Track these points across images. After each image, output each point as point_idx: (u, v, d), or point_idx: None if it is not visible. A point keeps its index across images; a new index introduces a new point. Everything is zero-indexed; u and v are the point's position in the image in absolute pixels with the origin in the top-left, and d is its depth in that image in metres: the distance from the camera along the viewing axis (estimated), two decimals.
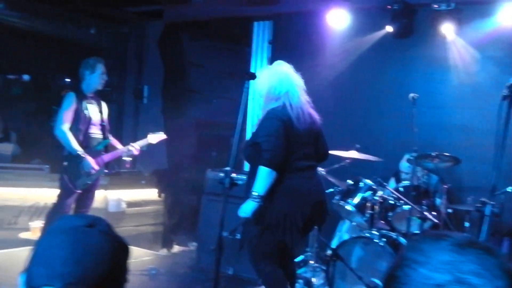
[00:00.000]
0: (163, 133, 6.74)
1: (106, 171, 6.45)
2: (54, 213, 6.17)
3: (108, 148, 6.47)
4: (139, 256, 6.88)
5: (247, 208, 4.47)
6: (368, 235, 5.67)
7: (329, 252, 5.89)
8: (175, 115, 9.14)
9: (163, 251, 8.04)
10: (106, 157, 6.36)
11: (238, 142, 4.40)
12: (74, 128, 6.13)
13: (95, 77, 6.30)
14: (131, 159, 6.90)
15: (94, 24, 9.30)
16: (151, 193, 8.27)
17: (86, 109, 6.21)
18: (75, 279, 1.39)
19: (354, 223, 6.25)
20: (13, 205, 7.01)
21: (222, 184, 4.33)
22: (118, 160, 8.83)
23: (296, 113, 4.63)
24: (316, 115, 4.87)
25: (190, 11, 9.02)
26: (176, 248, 8.27)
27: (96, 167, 6.17)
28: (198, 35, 9.44)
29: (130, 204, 7.85)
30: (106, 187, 7.75)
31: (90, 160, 6.11)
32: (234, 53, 9.19)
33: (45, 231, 1.56)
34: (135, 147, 6.44)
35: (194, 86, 9.42)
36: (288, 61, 8.04)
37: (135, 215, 7.76)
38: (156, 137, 6.62)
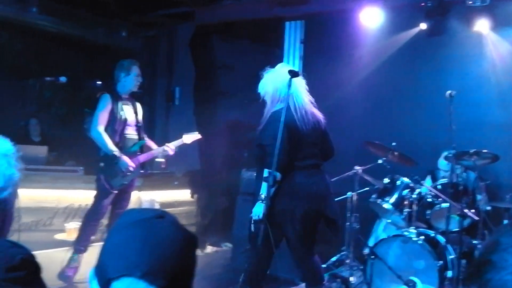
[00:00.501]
0: (197, 133, 6.71)
1: (142, 171, 6.41)
2: (91, 214, 6.20)
3: (144, 148, 6.45)
4: None
5: (257, 210, 4.64)
6: (406, 233, 5.60)
7: (366, 250, 5.82)
8: (207, 117, 9.15)
9: (196, 252, 8.02)
10: (142, 157, 6.33)
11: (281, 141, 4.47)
12: (109, 129, 6.13)
13: (130, 78, 6.29)
14: (165, 160, 6.86)
15: (125, 28, 9.35)
16: (184, 194, 8.28)
17: (122, 110, 6.21)
18: (152, 269, 1.40)
19: (391, 222, 6.17)
20: (49, 207, 7.04)
21: (267, 181, 4.51)
22: (152, 161, 8.88)
23: (300, 115, 4.80)
24: (320, 115, 5.04)
25: (221, 13, 9.01)
26: (209, 249, 8.28)
27: (133, 166, 6.16)
28: (228, 37, 9.44)
29: (163, 205, 7.85)
30: (139, 188, 7.78)
31: (127, 160, 6.10)
32: (266, 54, 9.15)
33: (114, 225, 1.56)
34: (170, 147, 6.38)
35: (225, 87, 9.42)
36: (321, 60, 8.12)
37: None
38: (191, 137, 6.58)
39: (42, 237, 6.81)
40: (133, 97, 6.54)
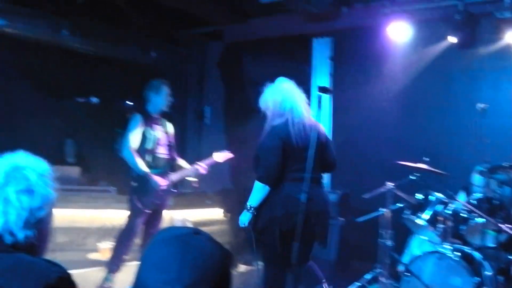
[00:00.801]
0: (228, 151, 6.72)
1: (174, 190, 6.42)
2: (124, 234, 6.23)
3: (175, 168, 6.46)
4: None
5: (243, 219, 4.79)
6: (441, 249, 5.52)
7: (400, 268, 5.75)
8: (238, 135, 9.16)
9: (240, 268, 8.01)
10: (174, 176, 6.34)
11: (314, 157, 4.56)
12: (141, 149, 6.17)
13: (161, 98, 6.34)
14: (197, 179, 6.84)
15: (155, 46, 9.45)
16: (216, 213, 8.29)
17: (153, 130, 6.25)
18: (193, 282, 1.43)
19: (425, 238, 6.09)
20: (81, 227, 7.12)
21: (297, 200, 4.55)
22: (183, 180, 8.91)
23: (298, 129, 4.84)
24: (321, 128, 5.08)
25: (250, 31, 9.07)
26: (242, 268, 8.22)
27: (165, 185, 6.19)
28: (258, 54, 9.47)
29: (196, 224, 7.87)
30: (171, 207, 7.81)
31: (158, 179, 6.13)
32: (295, 71, 9.14)
33: (151, 242, 1.59)
34: (202, 166, 6.38)
35: (256, 105, 9.42)
36: (350, 77, 8.11)
37: None
38: (222, 156, 6.56)
39: (75, 256, 6.87)
40: (164, 117, 6.57)
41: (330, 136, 8.28)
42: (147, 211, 6.18)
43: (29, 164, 2.09)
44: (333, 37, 8.47)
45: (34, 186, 2.04)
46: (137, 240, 6.34)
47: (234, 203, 8.47)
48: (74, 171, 7.69)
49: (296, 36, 8.70)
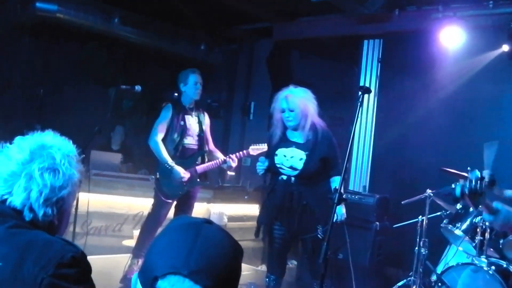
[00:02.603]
0: (265, 144, 6.68)
1: (200, 181, 6.37)
2: (149, 223, 6.31)
3: (204, 159, 6.43)
4: None
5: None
6: (476, 262, 5.38)
7: (434, 277, 5.64)
8: None
9: (263, 267, 7.99)
10: (200, 168, 6.30)
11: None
12: (168, 139, 6.22)
13: (189, 88, 6.31)
14: (231, 172, 6.78)
15: (206, 41, 9.50)
16: (254, 209, 8.28)
17: (183, 120, 6.26)
18: (200, 269, 1.42)
19: (461, 249, 5.95)
20: (119, 213, 7.21)
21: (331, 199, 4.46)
22: (224, 174, 8.94)
23: None
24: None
25: (299, 29, 9.02)
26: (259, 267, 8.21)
27: (187, 177, 6.17)
28: (306, 53, 9.43)
29: (232, 219, 7.89)
30: (209, 200, 7.85)
31: (180, 170, 6.12)
32: (342, 72, 9.10)
33: (163, 229, 1.59)
34: (233, 158, 6.31)
35: None
36: (397, 80, 7.98)
37: (236, 229, 7.76)
38: (257, 149, 6.47)
39: (111, 242, 6.97)
40: (201, 108, 6.58)
41: (372, 139, 8.27)
42: (169, 201, 6.21)
43: (55, 144, 2.11)
44: (383, 39, 8.36)
45: (59, 165, 2.06)
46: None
47: None
48: (116, 157, 7.78)
49: (346, 36, 8.61)
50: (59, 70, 8.60)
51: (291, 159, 5.27)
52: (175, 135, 6.22)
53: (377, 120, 8.30)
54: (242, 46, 10.29)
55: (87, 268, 1.93)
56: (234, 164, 6.36)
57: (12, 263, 1.81)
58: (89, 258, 1.94)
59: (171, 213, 6.35)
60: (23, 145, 2.05)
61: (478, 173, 3.07)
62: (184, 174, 6.15)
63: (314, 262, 5.16)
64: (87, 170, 6.57)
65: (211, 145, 6.61)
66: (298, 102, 5.27)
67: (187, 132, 6.29)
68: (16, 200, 1.99)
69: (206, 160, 6.45)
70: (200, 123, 6.42)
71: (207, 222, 1.55)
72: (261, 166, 5.38)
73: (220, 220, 7.69)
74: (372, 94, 8.20)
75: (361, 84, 8.32)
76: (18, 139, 2.09)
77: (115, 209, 7.12)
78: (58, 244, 1.90)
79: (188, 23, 9.15)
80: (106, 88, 8.38)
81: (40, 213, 2.01)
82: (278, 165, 5.31)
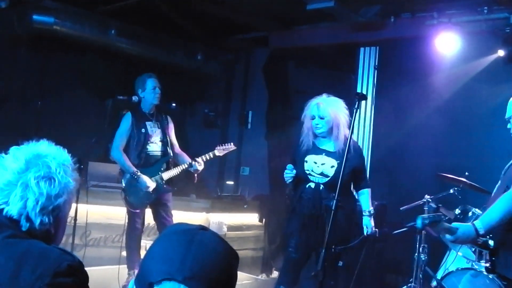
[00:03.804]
0: (232, 144, 6.55)
1: (167, 188, 6.27)
2: (128, 233, 6.30)
3: (169, 164, 6.32)
4: (239, 280, 6.79)
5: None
6: (476, 267, 5.38)
7: (434, 283, 5.62)
8: (278, 141, 9.14)
9: (263, 276, 7.99)
10: (165, 174, 6.23)
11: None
12: (131, 148, 6.16)
13: (148, 93, 6.23)
14: (196, 174, 6.64)
15: (202, 51, 9.51)
16: (253, 218, 8.28)
17: (144, 127, 6.19)
18: (194, 275, 1.44)
19: (461, 254, 5.94)
20: (118, 224, 7.14)
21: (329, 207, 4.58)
22: (222, 184, 8.94)
23: None
24: None
25: (295, 38, 9.05)
26: (275, 274, 8.19)
27: (152, 186, 6.09)
28: (303, 62, 9.45)
29: (231, 228, 7.88)
30: (208, 210, 7.85)
31: (146, 179, 6.06)
32: (339, 80, 9.11)
33: (159, 236, 1.64)
34: (199, 161, 6.20)
35: (298, 112, 9.39)
36: (394, 87, 8.00)
37: (236, 238, 7.77)
38: (223, 149, 6.42)
39: (110, 253, 6.95)
40: (163, 112, 6.50)
41: (369, 145, 8.28)
42: (136, 210, 6.17)
43: (50, 153, 2.12)
44: (379, 47, 8.38)
45: (54, 173, 2.07)
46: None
47: (270, 209, 8.47)
48: (114, 168, 7.77)
49: (342, 44, 8.64)
50: (56, 82, 8.61)
51: (322, 165, 5.22)
52: (137, 144, 6.14)
53: (374, 126, 8.31)
54: (238, 56, 10.31)
55: (84, 277, 1.94)
56: (200, 167, 6.23)
57: (9, 272, 1.82)
58: (88, 269, 1.95)
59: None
60: (18, 154, 2.06)
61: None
62: (150, 183, 6.08)
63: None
64: (85, 182, 6.56)
65: (177, 149, 6.50)
66: (329, 110, 5.23)
67: (149, 139, 6.19)
68: (12, 209, 1.99)
69: (172, 165, 6.34)
70: (162, 128, 6.31)
71: (202, 228, 1.57)
72: (289, 173, 5.23)
73: (220, 229, 7.68)
74: (369, 101, 8.23)
75: (358, 91, 8.34)
76: (13, 149, 2.10)
77: (113, 220, 7.09)
78: (54, 253, 1.91)
79: (184, 33, 9.16)
80: (103, 99, 8.38)
81: (37, 221, 2.01)
82: (307, 172, 5.24)
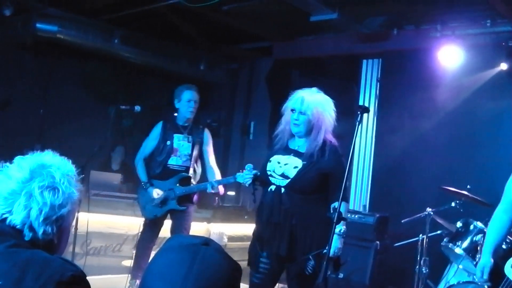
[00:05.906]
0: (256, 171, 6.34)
1: (179, 205, 5.99)
2: (139, 242, 6.25)
3: (189, 181, 6.07)
4: None
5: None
6: (477, 280, 5.35)
7: None
8: None
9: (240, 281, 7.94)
10: (179, 190, 5.96)
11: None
12: (153, 159, 6.08)
13: (182, 105, 6.01)
14: (218, 197, 6.42)
15: (207, 60, 9.52)
16: (253, 229, 8.25)
17: (170, 139, 6.03)
18: None
19: (462, 267, 5.93)
20: (119, 233, 7.17)
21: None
22: (224, 195, 8.90)
23: None
24: None
25: (299, 48, 9.07)
26: (277, 285, 8.16)
27: (158, 197, 5.93)
28: (306, 72, 9.46)
29: (232, 239, 7.86)
30: (209, 220, 7.84)
31: (154, 191, 5.93)
32: (342, 91, 9.11)
33: (160, 249, 1.59)
34: (219, 188, 5.82)
35: None
36: (397, 98, 8.01)
37: (237, 249, 7.73)
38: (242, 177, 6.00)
39: (110, 262, 6.93)
40: (202, 126, 6.28)
41: (372, 158, 8.28)
42: (148, 220, 6.12)
43: (55, 163, 2.12)
44: (382, 58, 8.40)
45: (58, 184, 2.06)
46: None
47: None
48: (116, 178, 7.77)
49: (345, 56, 8.66)
50: (60, 89, 8.64)
51: (284, 166, 4.43)
52: (160, 155, 6.05)
53: (376, 139, 8.31)
54: (242, 65, 10.32)
55: (86, 287, 1.93)
56: (220, 191, 5.92)
57: (12, 280, 1.81)
58: (88, 278, 1.94)
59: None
60: (23, 164, 2.06)
61: None
62: (157, 195, 5.93)
63: None
64: (87, 190, 6.55)
65: (210, 165, 6.20)
66: (313, 108, 4.41)
67: (173, 152, 6.03)
68: (16, 218, 1.99)
69: (195, 180, 6.15)
70: (193, 142, 6.09)
71: (204, 243, 1.54)
72: (248, 174, 4.65)
73: (220, 240, 7.67)
74: (371, 113, 8.24)
75: (361, 103, 8.35)
76: (18, 158, 2.10)
77: (114, 229, 7.08)
78: (57, 262, 1.90)
79: (189, 42, 9.18)
80: (106, 107, 8.40)
81: (40, 231, 2.01)
82: (268, 172, 4.50)
